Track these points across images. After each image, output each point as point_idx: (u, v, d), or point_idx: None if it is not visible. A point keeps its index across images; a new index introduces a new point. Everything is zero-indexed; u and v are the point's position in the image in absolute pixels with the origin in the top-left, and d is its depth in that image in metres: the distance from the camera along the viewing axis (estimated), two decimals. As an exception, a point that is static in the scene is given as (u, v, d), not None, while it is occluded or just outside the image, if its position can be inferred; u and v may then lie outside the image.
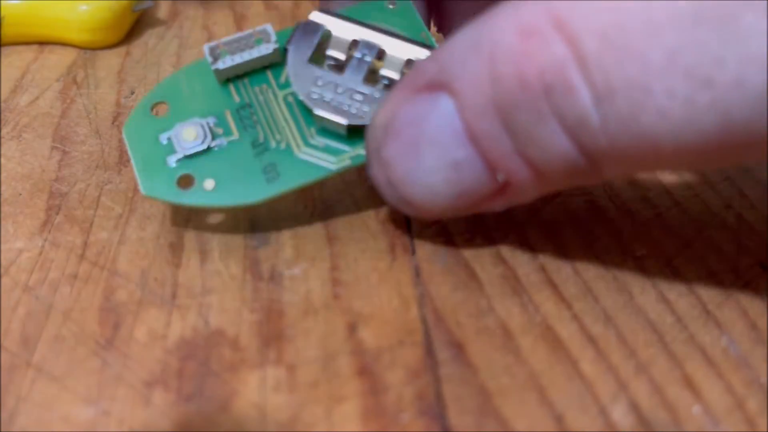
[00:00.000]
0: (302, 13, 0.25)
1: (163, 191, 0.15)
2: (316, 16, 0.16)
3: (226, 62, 0.16)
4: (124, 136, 0.16)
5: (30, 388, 0.13)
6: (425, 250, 0.15)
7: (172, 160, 0.15)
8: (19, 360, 0.13)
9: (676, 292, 0.14)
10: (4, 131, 0.19)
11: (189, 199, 0.15)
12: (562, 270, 0.15)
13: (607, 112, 0.11)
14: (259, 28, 0.16)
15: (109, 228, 0.16)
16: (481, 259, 0.15)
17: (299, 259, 0.15)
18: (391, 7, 0.16)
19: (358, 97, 0.15)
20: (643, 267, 0.15)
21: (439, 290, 0.14)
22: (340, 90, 0.15)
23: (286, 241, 0.16)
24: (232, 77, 0.16)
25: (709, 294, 0.14)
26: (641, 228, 0.16)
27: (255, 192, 0.15)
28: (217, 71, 0.16)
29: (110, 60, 0.23)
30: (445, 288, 0.15)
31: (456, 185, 0.13)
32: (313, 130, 0.15)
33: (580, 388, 0.13)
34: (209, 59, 0.16)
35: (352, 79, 0.15)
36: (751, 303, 0.14)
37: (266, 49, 0.16)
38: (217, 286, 0.15)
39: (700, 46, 0.10)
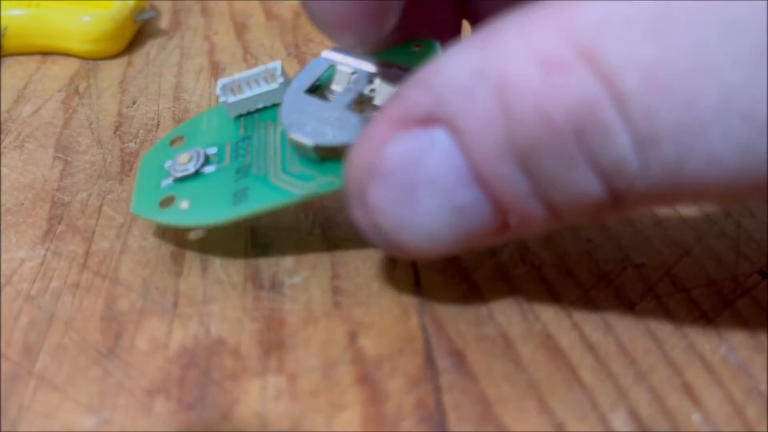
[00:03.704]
0: (303, 22, 0.25)
1: (146, 209, 0.16)
2: (328, 53, 0.16)
3: (234, 97, 0.16)
4: (140, 163, 0.17)
5: (32, 397, 0.13)
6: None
7: (164, 183, 0.16)
8: (21, 369, 0.13)
9: (676, 300, 0.14)
10: (6, 141, 0.19)
11: (163, 217, 0.15)
12: (561, 278, 0.15)
13: (648, 158, 0.10)
14: (270, 65, 0.16)
15: (111, 237, 0.16)
16: (480, 267, 0.15)
17: (300, 267, 0.15)
18: (416, 49, 0.16)
19: (336, 122, 0.14)
20: (642, 275, 0.15)
21: (439, 298, 0.15)
22: (321, 116, 0.14)
23: (286, 250, 0.16)
24: (244, 113, 0.17)
25: (708, 302, 0.14)
26: (641, 236, 0.16)
27: (218, 213, 0.15)
28: (226, 105, 0.16)
29: (112, 70, 0.23)
30: (445, 296, 0.15)
31: (458, 229, 0.12)
32: (296, 158, 0.15)
33: (580, 396, 0.13)
34: (219, 93, 0.16)
35: (336, 106, 0.15)
36: (750, 311, 0.14)
37: (272, 85, 0.16)
38: (218, 295, 0.15)
39: (761, 88, 0.09)
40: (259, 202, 0.15)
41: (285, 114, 0.15)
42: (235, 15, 0.26)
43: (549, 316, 0.14)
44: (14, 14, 0.23)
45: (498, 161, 0.11)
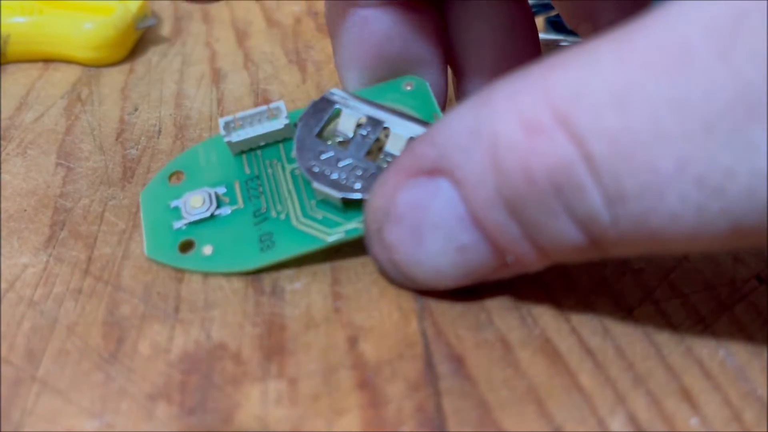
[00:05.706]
0: (303, 29, 0.25)
1: (164, 254, 0.16)
2: (330, 94, 0.16)
3: (238, 135, 0.16)
4: (140, 201, 0.17)
5: (35, 401, 0.13)
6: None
7: (177, 225, 0.16)
8: (24, 374, 0.13)
9: (674, 305, 0.14)
10: (9, 148, 0.20)
11: (187, 263, 0.15)
12: (560, 283, 0.15)
13: (617, 213, 0.11)
14: (272, 104, 0.16)
15: (113, 243, 0.16)
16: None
17: (300, 273, 0.15)
18: (408, 88, 0.17)
19: (357, 172, 0.15)
20: (641, 280, 0.15)
21: (438, 303, 0.15)
22: (340, 165, 0.15)
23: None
24: (246, 150, 0.17)
25: (706, 307, 0.14)
26: (639, 241, 0.16)
27: (249, 260, 0.15)
28: (230, 144, 0.17)
29: (114, 77, 0.23)
30: (445, 301, 0.15)
31: (462, 266, 0.13)
32: (313, 202, 0.16)
33: (578, 401, 0.13)
34: (223, 132, 0.16)
35: (354, 154, 0.15)
36: (747, 316, 0.14)
37: (277, 124, 0.16)
38: (219, 301, 0.15)
39: (710, 158, 0.10)
40: (288, 249, 0.15)
41: (301, 159, 0.15)
42: (236, 22, 0.26)
43: (548, 320, 0.14)
44: (16, 22, 0.23)
45: (491, 209, 0.12)
